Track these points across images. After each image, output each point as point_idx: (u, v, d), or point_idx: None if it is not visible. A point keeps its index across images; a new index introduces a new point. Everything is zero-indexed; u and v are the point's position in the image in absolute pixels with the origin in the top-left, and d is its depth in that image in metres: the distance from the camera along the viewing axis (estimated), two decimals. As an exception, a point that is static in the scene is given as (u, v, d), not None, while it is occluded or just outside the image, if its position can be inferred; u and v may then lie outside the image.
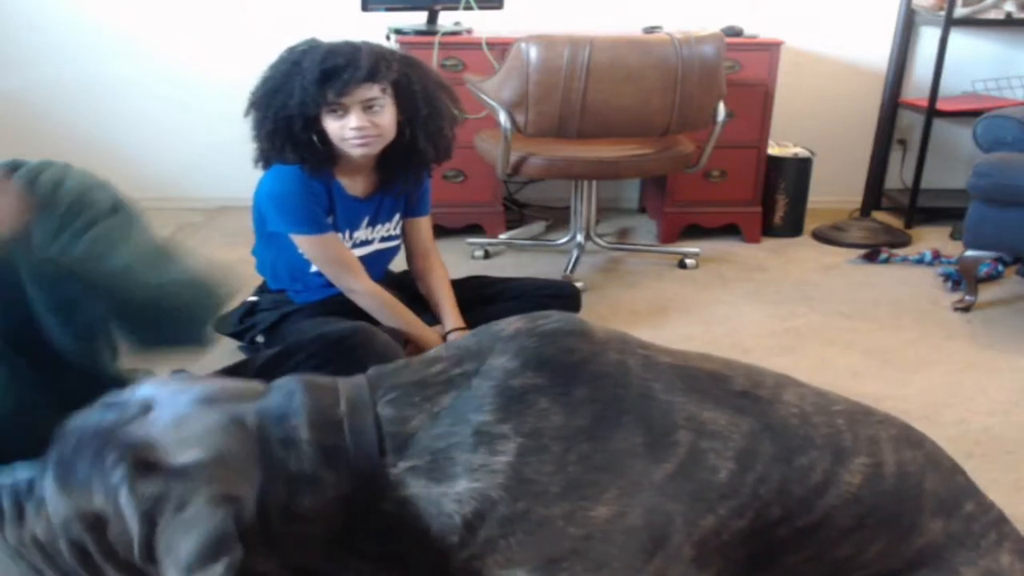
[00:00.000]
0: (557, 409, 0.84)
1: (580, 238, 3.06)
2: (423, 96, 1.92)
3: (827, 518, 0.88)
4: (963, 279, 2.73)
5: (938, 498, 0.92)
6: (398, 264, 2.23)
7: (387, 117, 1.88)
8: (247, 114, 1.94)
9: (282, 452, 0.83)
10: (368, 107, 1.84)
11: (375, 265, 2.09)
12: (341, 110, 1.84)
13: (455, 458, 0.83)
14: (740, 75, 3.15)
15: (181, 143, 3.65)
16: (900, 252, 3.24)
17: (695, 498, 0.84)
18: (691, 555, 0.85)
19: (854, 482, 0.89)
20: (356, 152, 1.89)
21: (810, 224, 3.49)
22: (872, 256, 3.18)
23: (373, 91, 1.84)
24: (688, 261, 3.09)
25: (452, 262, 2.52)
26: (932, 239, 3.42)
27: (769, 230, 3.45)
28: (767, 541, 0.88)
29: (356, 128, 1.84)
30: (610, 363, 0.87)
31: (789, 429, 0.88)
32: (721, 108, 2.75)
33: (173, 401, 0.86)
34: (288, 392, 0.88)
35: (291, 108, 1.83)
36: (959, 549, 0.91)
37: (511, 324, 0.93)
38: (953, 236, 3.43)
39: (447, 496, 0.82)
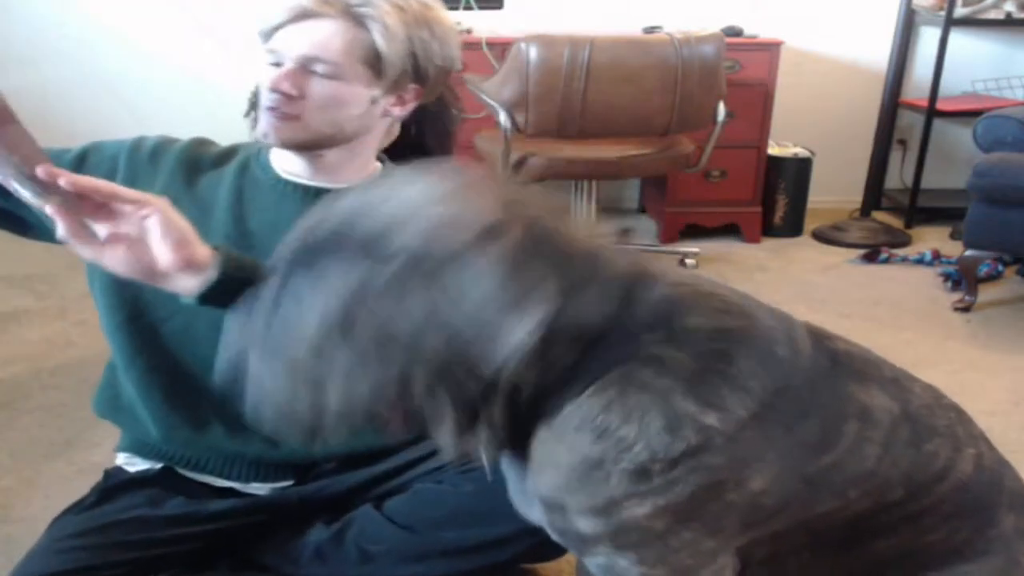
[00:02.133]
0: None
1: (580, 238, 3.06)
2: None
3: (935, 505, 0.91)
4: (963, 279, 2.73)
5: (1013, 495, 0.96)
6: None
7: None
8: (247, 115, 1.93)
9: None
10: None
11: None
12: None
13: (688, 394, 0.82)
14: (740, 75, 3.15)
15: (181, 143, 3.65)
16: (900, 252, 3.24)
17: (830, 487, 0.86)
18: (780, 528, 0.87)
19: (967, 470, 0.92)
20: None
21: (810, 224, 3.49)
22: (872, 256, 3.18)
23: None
24: (688, 261, 3.09)
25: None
26: (932, 239, 3.42)
27: (769, 230, 3.45)
28: (868, 525, 0.90)
29: None
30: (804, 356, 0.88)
31: (921, 417, 0.91)
32: (721, 108, 2.75)
33: None
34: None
35: None
36: (1021, 542, 0.95)
37: None
38: (953, 236, 3.43)
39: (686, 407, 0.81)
